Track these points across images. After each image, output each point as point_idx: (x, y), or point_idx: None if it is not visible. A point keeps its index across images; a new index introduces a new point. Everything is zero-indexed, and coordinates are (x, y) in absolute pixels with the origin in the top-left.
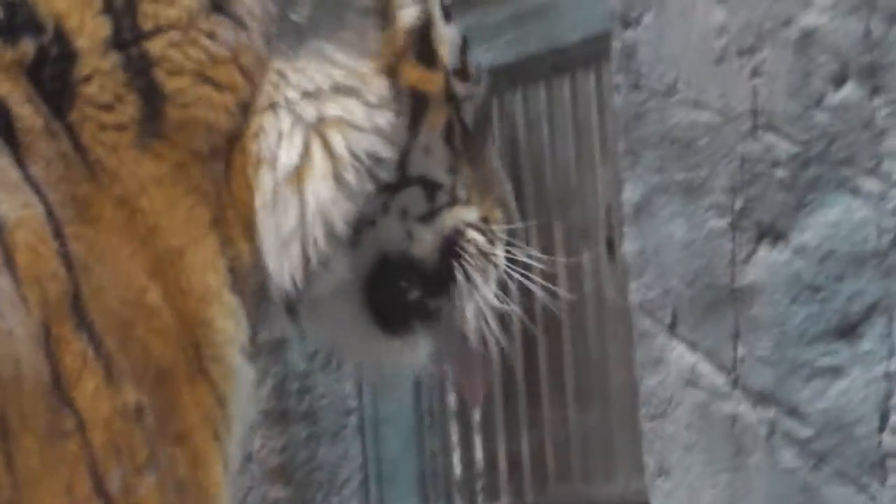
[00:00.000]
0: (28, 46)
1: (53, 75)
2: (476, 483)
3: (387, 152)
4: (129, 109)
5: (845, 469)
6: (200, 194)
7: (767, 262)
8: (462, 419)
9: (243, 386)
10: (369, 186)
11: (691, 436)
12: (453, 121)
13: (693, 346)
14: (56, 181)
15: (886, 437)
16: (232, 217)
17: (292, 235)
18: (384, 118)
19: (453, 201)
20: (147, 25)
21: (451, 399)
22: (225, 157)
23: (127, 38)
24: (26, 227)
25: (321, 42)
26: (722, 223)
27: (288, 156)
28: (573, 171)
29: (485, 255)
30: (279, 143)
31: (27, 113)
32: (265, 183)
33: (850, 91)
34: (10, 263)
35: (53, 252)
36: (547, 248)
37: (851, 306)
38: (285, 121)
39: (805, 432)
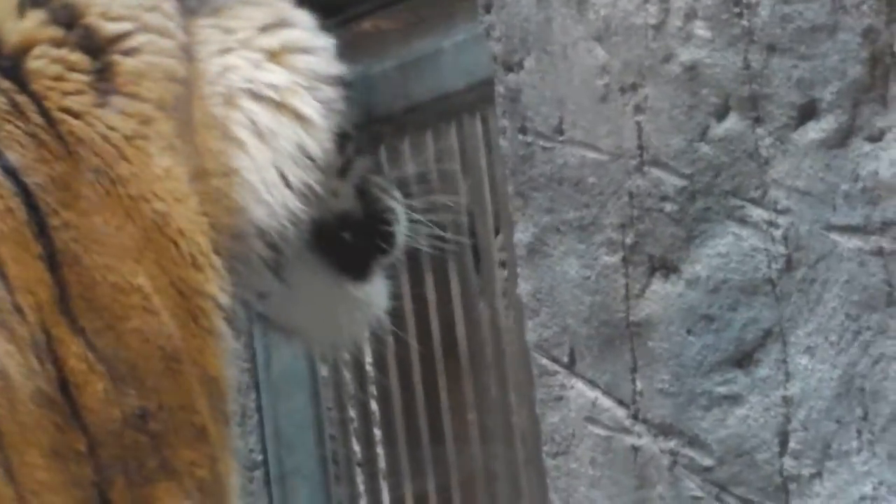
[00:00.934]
0: None
1: None
2: None
3: (334, 68)
4: (79, 66)
5: (749, 496)
6: (174, 152)
7: (661, 295)
8: (368, 466)
9: (231, 355)
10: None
11: (595, 471)
12: None
13: (592, 382)
14: (33, 163)
15: (787, 462)
16: (208, 168)
17: (278, 160)
18: (322, 39)
19: (358, 150)
20: None
21: (356, 446)
22: (187, 106)
23: None
24: (10, 239)
25: None
26: (614, 259)
27: (261, 83)
28: (464, 215)
29: (388, 195)
30: (247, 75)
31: None
32: (246, 114)
33: (733, 123)
34: (2, 275)
35: (36, 256)
36: (442, 294)
37: (746, 334)
38: (244, 56)
39: (707, 461)
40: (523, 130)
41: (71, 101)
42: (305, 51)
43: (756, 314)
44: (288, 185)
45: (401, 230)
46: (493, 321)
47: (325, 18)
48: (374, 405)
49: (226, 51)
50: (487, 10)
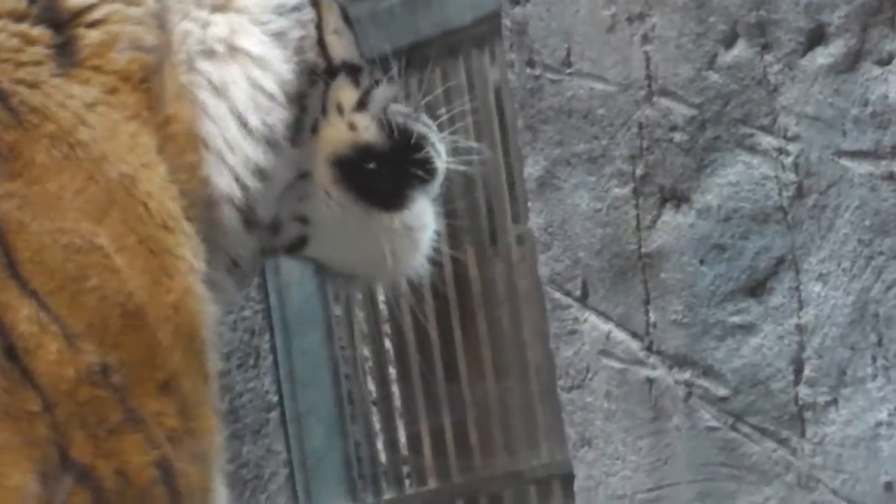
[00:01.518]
0: None
1: None
2: (402, 469)
3: (307, 30)
4: (40, 40)
5: (764, 425)
6: (141, 121)
7: (672, 226)
8: (383, 405)
9: (210, 317)
10: (303, 59)
11: (610, 404)
12: None
13: (605, 315)
14: None
15: (802, 390)
16: (177, 139)
17: (235, 109)
18: None
19: (376, 81)
20: None
21: (372, 386)
22: (158, 75)
23: None
24: None
25: None
26: (625, 191)
27: (210, 40)
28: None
29: (418, 122)
30: (199, 36)
31: None
32: (203, 75)
33: (741, 50)
34: None
35: None
36: (453, 232)
37: (758, 263)
38: (194, 17)
39: (722, 391)
40: (531, 63)
41: (25, 73)
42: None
43: (768, 242)
44: (250, 132)
45: (438, 155)
46: (505, 257)
47: None
48: (387, 343)
49: (183, 16)
50: None
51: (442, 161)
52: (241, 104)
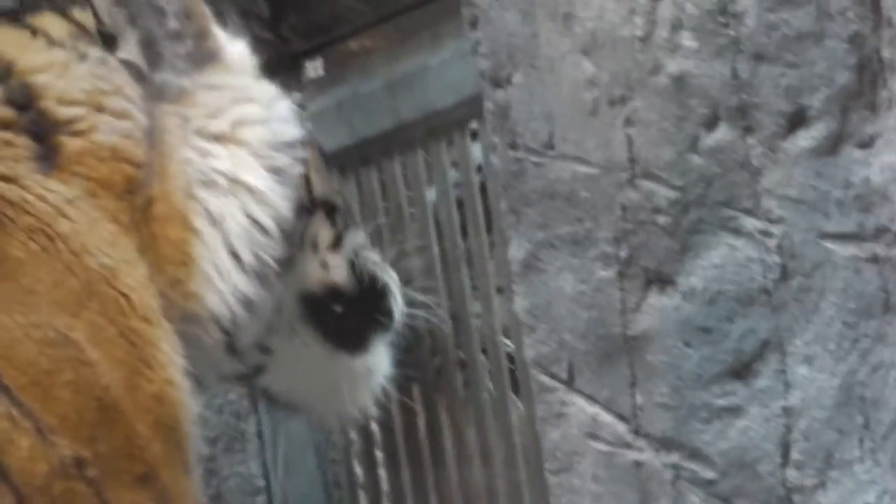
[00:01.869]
0: None
1: None
2: None
3: (288, 133)
4: (21, 147)
5: None
6: (121, 225)
7: (657, 308)
8: (370, 489)
9: (191, 408)
10: (297, 196)
11: (598, 487)
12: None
13: (591, 397)
14: None
15: (790, 472)
16: (164, 255)
17: (230, 241)
18: (277, 108)
19: (349, 224)
20: (24, 64)
21: (359, 469)
22: (146, 191)
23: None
24: None
25: (206, 75)
26: (610, 273)
27: (210, 171)
28: (458, 233)
29: (382, 270)
30: (199, 166)
31: None
32: (201, 203)
33: (723, 133)
34: None
35: None
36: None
37: (744, 345)
38: (196, 146)
39: (709, 474)
40: (514, 146)
41: (3, 168)
42: (257, 123)
43: (753, 325)
44: (242, 266)
45: (397, 305)
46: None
47: (311, 40)
48: (374, 427)
49: (183, 142)
50: (474, 26)
51: (400, 311)
52: (235, 238)
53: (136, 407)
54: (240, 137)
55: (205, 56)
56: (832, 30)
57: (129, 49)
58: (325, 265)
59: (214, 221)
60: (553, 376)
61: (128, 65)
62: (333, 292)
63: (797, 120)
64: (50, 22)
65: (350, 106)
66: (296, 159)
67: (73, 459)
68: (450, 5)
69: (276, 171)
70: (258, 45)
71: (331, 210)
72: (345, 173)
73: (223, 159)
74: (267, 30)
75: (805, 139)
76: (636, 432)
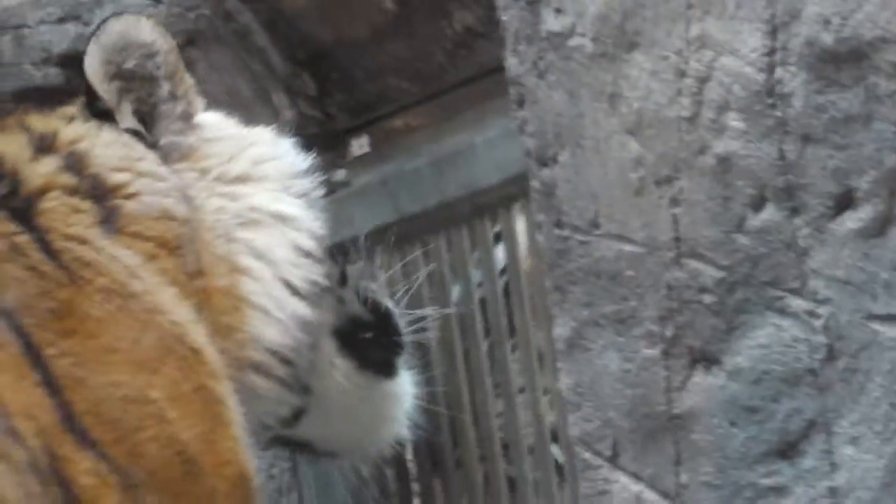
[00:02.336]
0: None
1: (8, 195)
2: None
3: (300, 163)
4: (88, 212)
5: None
6: (179, 286)
7: (703, 387)
8: None
9: (257, 472)
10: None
11: None
12: None
13: (636, 475)
14: (30, 301)
15: None
16: (215, 303)
17: (279, 271)
18: (281, 143)
19: (347, 258)
20: (65, 136)
21: None
22: (192, 245)
23: (48, 144)
24: (6, 369)
25: (202, 130)
26: (655, 352)
27: (245, 209)
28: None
29: (386, 298)
30: (233, 210)
31: None
32: (244, 243)
33: (769, 213)
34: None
35: (35, 384)
36: (480, 383)
37: (790, 425)
38: (223, 192)
39: None
40: (559, 224)
41: (76, 231)
42: (271, 159)
43: (799, 405)
44: (294, 291)
45: (404, 330)
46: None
47: (356, 117)
48: (416, 502)
49: (209, 193)
50: (520, 105)
51: (406, 335)
52: (283, 265)
53: (213, 465)
54: (261, 174)
55: (195, 114)
56: (881, 112)
57: (127, 120)
58: (341, 300)
59: (260, 255)
60: (597, 454)
61: (134, 133)
62: (356, 323)
63: (844, 201)
64: (61, 109)
65: (395, 183)
66: (315, 184)
67: None
68: (495, 84)
69: (303, 196)
70: (304, 121)
71: (330, 253)
72: (389, 250)
73: (253, 196)
74: (313, 107)
75: (852, 220)
76: None
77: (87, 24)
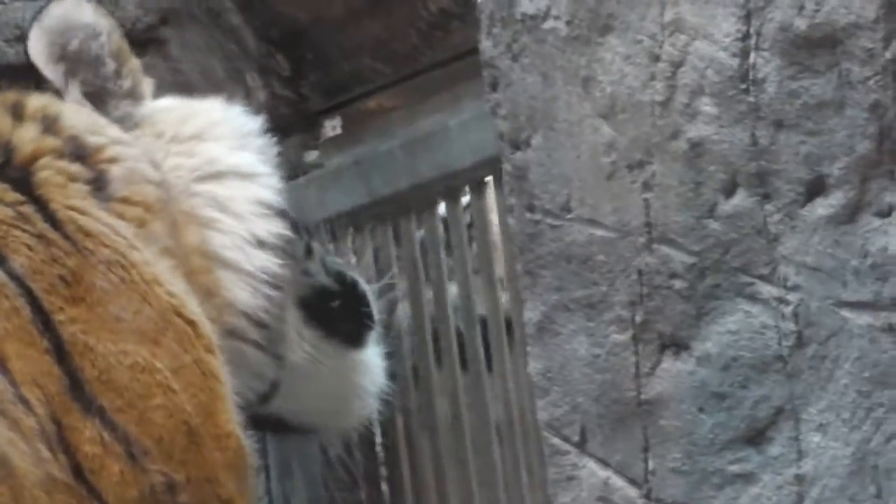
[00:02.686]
0: None
1: (3, 163)
2: None
3: (251, 122)
4: (80, 179)
5: None
6: (169, 254)
7: (672, 373)
8: None
9: (246, 440)
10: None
11: None
12: None
13: (604, 461)
14: (40, 266)
15: None
16: (194, 267)
17: (244, 222)
18: (228, 108)
19: (310, 232)
20: (34, 104)
21: None
22: (168, 207)
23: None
24: (15, 337)
25: (151, 103)
26: (624, 337)
27: (202, 164)
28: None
29: (351, 272)
30: (190, 165)
31: None
32: (204, 195)
33: (741, 199)
34: (5, 369)
35: (43, 351)
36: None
37: (758, 412)
38: (179, 151)
39: None
40: (531, 208)
41: (75, 202)
42: (221, 121)
43: (768, 391)
44: (260, 243)
45: (374, 303)
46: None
47: (330, 98)
48: (384, 486)
49: (166, 153)
50: (493, 87)
51: (376, 308)
52: (247, 217)
53: (213, 436)
54: (216, 134)
55: (142, 92)
56: (853, 98)
57: (76, 98)
58: (306, 272)
59: (223, 207)
60: (565, 439)
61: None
62: (323, 294)
63: (816, 188)
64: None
65: (368, 164)
66: (268, 142)
67: (165, 485)
68: (469, 66)
69: (258, 153)
70: (277, 102)
71: (293, 222)
72: (361, 231)
73: (209, 151)
74: (286, 87)
75: (823, 207)
76: (648, 497)
77: None
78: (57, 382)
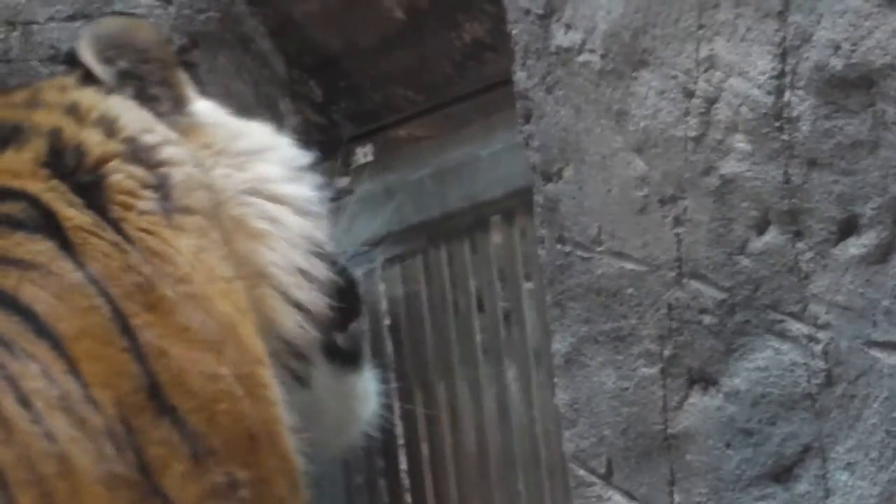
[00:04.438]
0: (38, 144)
1: (76, 168)
2: None
3: (303, 157)
4: (144, 181)
5: None
6: (228, 261)
7: (699, 408)
8: None
9: (296, 449)
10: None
11: None
12: None
13: (629, 494)
14: (116, 273)
15: None
16: (243, 276)
17: (295, 251)
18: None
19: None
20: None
21: None
22: (218, 211)
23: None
24: (89, 335)
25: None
26: (653, 371)
27: (255, 179)
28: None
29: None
30: (241, 177)
31: (71, 212)
32: (256, 207)
33: (772, 236)
34: (76, 371)
35: (121, 350)
36: (476, 398)
37: (785, 449)
38: (228, 163)
39: None
40: (561, 240)
41: (145, 223)
42: (274, 147)
43: (795, 429)
44: (309, 276)
45: (361, 294)
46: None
47: (361, 125)
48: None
49: (215, 163)
50: (526, 119)
51: (362, 299)
52: (298, 249)
53: (268, 444)
54: (267, 157)
55: (187, 97)
56: (887, 139)
57: (127, 95)
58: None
59: (276, 223)
60: (591, 471)
61: None
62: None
63: (848, 227)
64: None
65: (398, 192)
66: (319, 181)
67: (227, 483)
68: (502, 97)
69: (312, 189)
70: (309, 128)
71: (335, 264)
72: (391, 259)
73: (263, 172)
74: (318, 114)
75: (855, 247)
76: None
77: None
78: (132, 382)
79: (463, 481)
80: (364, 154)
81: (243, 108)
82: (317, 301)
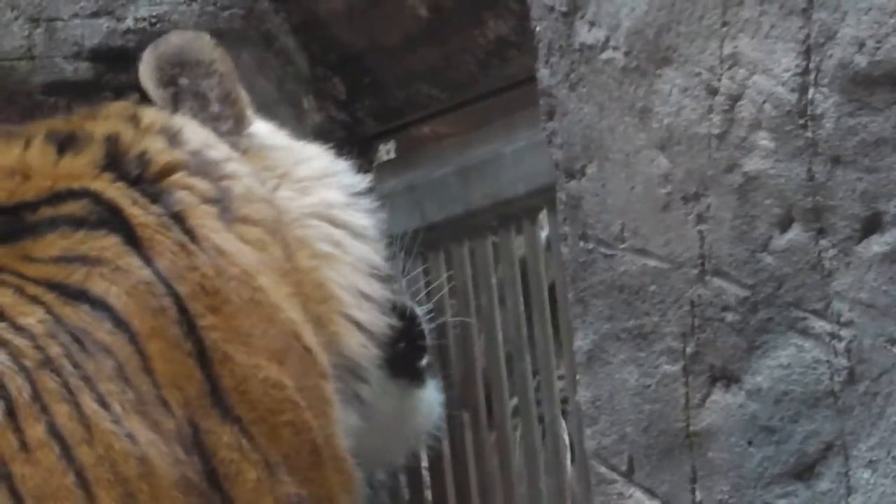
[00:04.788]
0: (94, 149)
1: (140, 175)
2: None
3: (361, 182)
4: (206, 193)
5: None
6: (287, 279)
7: (722, 406)
8: None
9: (356, 469)
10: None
11: None
12: None
13: (651, 491)
14: (183, 272)
15: None
16: (308, 293)
17: (357, 273)
18: (340, 163)
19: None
20: (147, 120)
21: None
22: (281, 227)
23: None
24: (160, 335)
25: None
26: (675, 368)
27: (318, 204)
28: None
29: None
30: (304, 201)
31: (136, 209)
32: (320, 230)
33: (796, 234)
34: (149, 370)
35: (186, 353)
36: (499, 399)
37: (807, 447)
38: (291, 188)
39: None
40: (584, 237)
41: (208, 221)
42: (334, 172)
43: (818, 427)
44: (370, 299)
45: (428, 328)
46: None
47: (385, 122)
48: None
49: (278, 185)
50: (550, 116)
51: (430, 333)
52: (360, 269)
53: (331, 457)
54: (329, 183)
55: (246, 118)
56: None
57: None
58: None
59: (339, 247)
60: (612, 468)
61: None
62: (393, 335)
63: (872, 224)
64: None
65: (421, 190)
66: (376, 207)
67: (296, 497)
68: (526, 95)
69: (371, 215)
70: (332, 125)
71: (394, 287)
72: (413, 256)
73: (327, 197)
74: (341, 111)
75: (879, 244)
76: None
77: (119, 19)
78: (197, 386)
79: (484, 479)
80: (387, 151)
81: (266, 106)
82: (377, 321)
